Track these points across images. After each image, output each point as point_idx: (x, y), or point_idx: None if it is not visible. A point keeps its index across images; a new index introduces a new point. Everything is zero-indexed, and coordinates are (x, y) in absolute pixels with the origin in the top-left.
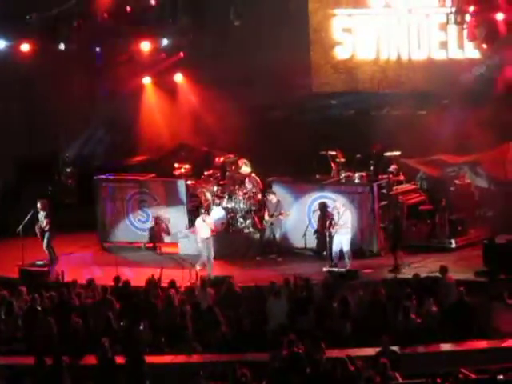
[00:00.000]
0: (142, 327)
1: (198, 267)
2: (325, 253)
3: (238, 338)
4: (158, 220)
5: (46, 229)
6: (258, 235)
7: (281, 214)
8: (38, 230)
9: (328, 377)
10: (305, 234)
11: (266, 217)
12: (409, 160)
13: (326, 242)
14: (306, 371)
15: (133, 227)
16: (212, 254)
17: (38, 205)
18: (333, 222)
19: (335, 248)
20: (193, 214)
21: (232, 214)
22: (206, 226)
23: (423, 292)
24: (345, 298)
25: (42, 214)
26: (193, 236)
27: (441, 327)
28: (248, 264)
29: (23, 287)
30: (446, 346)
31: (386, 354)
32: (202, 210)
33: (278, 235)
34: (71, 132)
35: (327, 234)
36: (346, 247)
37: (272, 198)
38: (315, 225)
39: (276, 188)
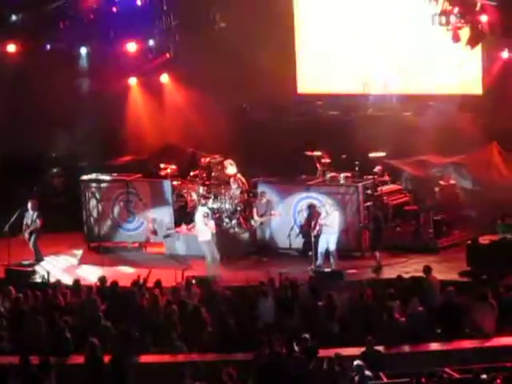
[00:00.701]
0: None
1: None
2: (310, 253)
3: (223, 338)
4: (151, 221)
5: (37, 229)
6: (244, 235)
7: (272, 214)
8: (26, 230)
9: (312, 376)
10: (289, 235)
11: (256, 217)
12: (394, 161)
13: (311, 241)
14: (287, 370)
15: (119, 227)
16: (209, 256)
17: (29, 205)
18: (319, 222)
19: (321, 248)
20: (178, 215)
21: (218, 215)
22: (207, 229)
23: (407, 292)
24: (330, 298)
25: (31, 214)
26: (180, 236)
27: (427, 327)
28: (235, 264)
29: (12, 287)
30: (430, 346)
31: (367, 355)
32: (205, 214)
33: (267, 235)
34: (57, 132)
35: (313, 233)
36: (332, 247)
37: (262, 199)
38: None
39: (261, 188)
